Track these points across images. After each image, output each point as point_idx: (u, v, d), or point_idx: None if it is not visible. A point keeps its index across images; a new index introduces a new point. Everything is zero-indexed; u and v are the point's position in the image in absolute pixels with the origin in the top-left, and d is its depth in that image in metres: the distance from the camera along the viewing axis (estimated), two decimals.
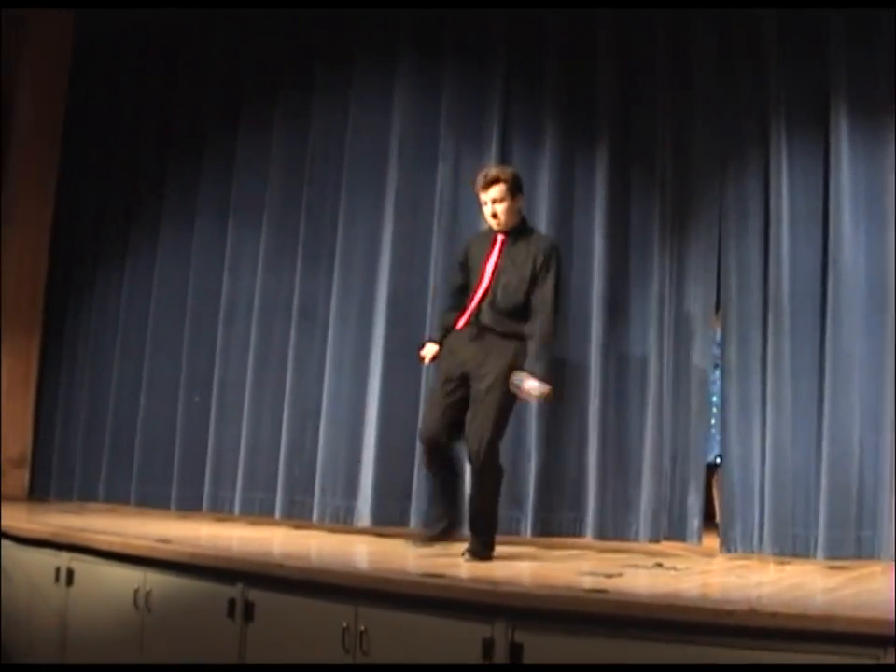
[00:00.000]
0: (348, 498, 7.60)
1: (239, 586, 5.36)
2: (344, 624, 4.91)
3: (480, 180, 6.07)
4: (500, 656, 4.52)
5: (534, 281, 5.96)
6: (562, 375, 6.94)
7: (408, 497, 7.37)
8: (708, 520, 6.74)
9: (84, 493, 9.11)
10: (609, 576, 5.11)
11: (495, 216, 6.04)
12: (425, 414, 6.37)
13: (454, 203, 7.54)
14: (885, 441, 6.17)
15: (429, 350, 6.29)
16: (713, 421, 6.93)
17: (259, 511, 8.03)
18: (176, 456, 8.56)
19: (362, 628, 4.88)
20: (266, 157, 8.44)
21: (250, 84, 8.71)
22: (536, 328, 5.91)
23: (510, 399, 5.94)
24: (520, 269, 5.99)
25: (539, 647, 4.48)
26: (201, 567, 5.57)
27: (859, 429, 6.21)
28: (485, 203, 6.07)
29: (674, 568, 5.48)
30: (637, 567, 5.58)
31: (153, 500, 8.64)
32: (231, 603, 5.35)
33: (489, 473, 5.93)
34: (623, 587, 4.78)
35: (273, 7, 8.23)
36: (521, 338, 5.94)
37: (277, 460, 7.96)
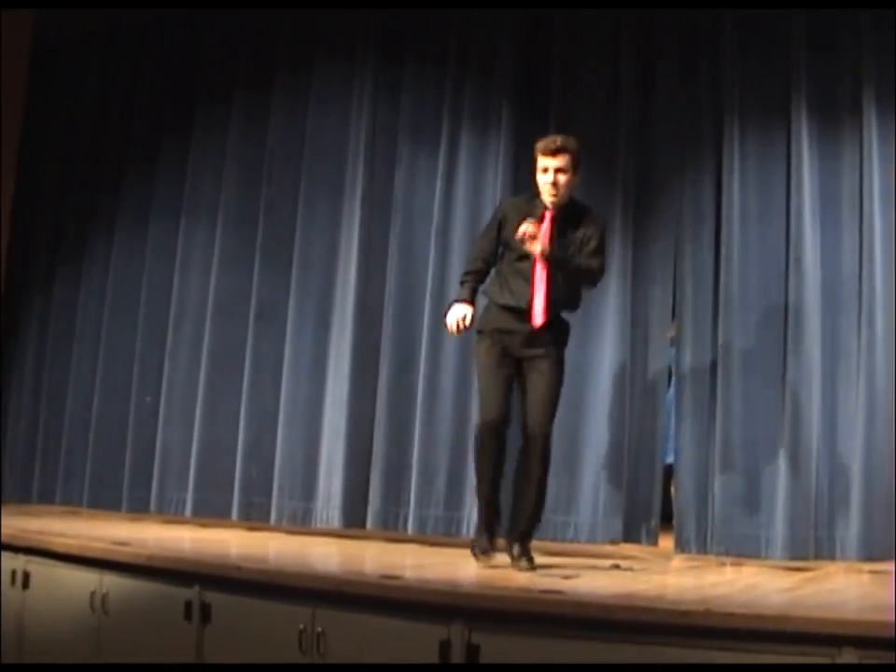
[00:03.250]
0: (306, 500, 7.56)
1: (196, 588, 5.32)
2: (301, 626, 4.89)
3: (547, 145, 5.61)
4: (457, 657, 4.50)
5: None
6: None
7: (366, 499, 7.34)
8: (667, 521, 6.72)
9: (43, 495, 8.99)
10: (566, 577, 5.12)
11: (555, 185, 5.59)
12: (486, 397, 5.68)
13: (410, 206, 7.53)
14: (843, 441, 6.22)
15: (463, 311, 5.75)
16: (671, 422, 6.92)
17: (213, 513, 7.95)
18: (127, 458, 8.46)
19: (319, 630, 4.86)
20: (222, 158, 8.36)
21: (207, 84, 8.63)
22: (588, 263, 5.65)
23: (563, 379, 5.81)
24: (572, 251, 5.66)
25: (496, 648, 4.46)
26: (158, 570, 5.53)
27: (817, 430, 6.23)
28: (545, 171, 5.60)
29: (630, 569, 5.49)
30: (593, 567, 5.60)
31: (104, 502, 8.52)
32: (188, 605, 5.31)
33: (549, 456, 5.70)
34: (580, 588, 4.80)
35: (231, 7, 8.16)
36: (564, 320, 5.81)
37: (233, 462, 7.89)
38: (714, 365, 6.52)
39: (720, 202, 6.62)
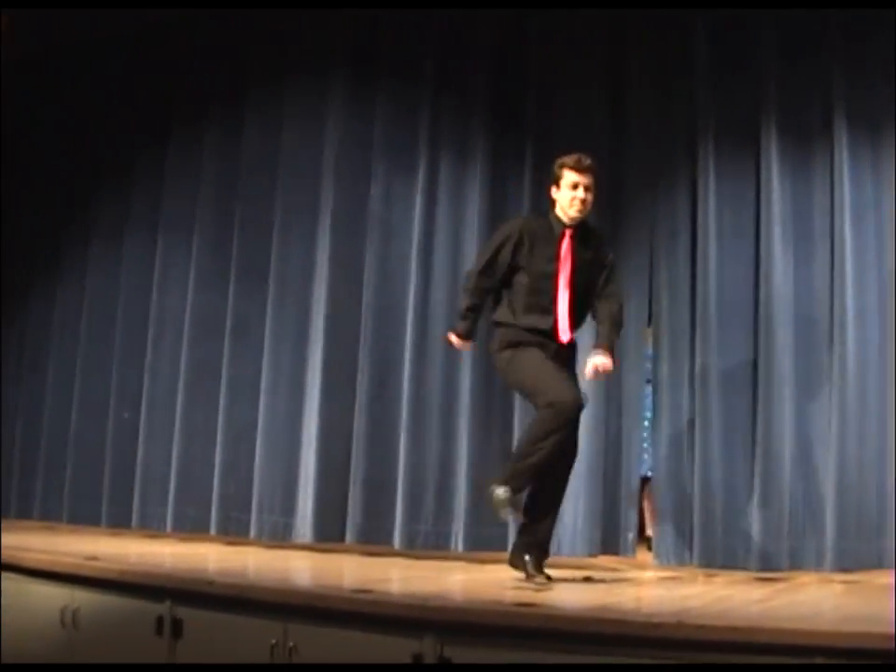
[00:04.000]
0: (286, 515, 7.53)
1: (167, 603, 5.24)
2: (273, 641, 4.81)
3: (579, 161, 5.53)
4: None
5: (596, 285, 5.62)
6: (492, 392, 7.00)
7: (344, 513, 7.30)
8: (639, 533, 6.73)
9: (21, 511, 8.96)
10: (539, 589, 5.06)
11: (583, 203, 5.53)
12: (556, 382, 5.38)
13: (386, 222, 7.50)
14: (816, 453, 6.22)
15: (461, 347, 5.86)
16: (645, 435, 6.89)
17: (192, 528, 7.93)
18: (106, 473, 8.44)
19: (291, 644, 4.78)
20: (198, 173, 8.36)
21: (181, 99, 8.62)
22: (615, 311, 5.58)
23: None
24: (588, 272, 5.58)
25: (468, 661, 4.39)
26: (129, 585, 5.45)
27: (789, 442, 6.24)
28: (574, 186, 5.52)
29: (604, 581, 5.43)
30: (567, 580, 5.54)
31: (84, 517, 8.49)
32: (160, 620, 5.23)
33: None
34: (552, 601, 4.73)
35: (212, 5, 8.12)
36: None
37: (212, 477, 7.88)
38: (692, 379, 6.52)
39: (695, 216, 6.62)
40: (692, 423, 6.50)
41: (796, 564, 6.12)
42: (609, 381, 6.48)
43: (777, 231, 6.35)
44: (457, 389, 7.12)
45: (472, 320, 5.70)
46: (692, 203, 6.66)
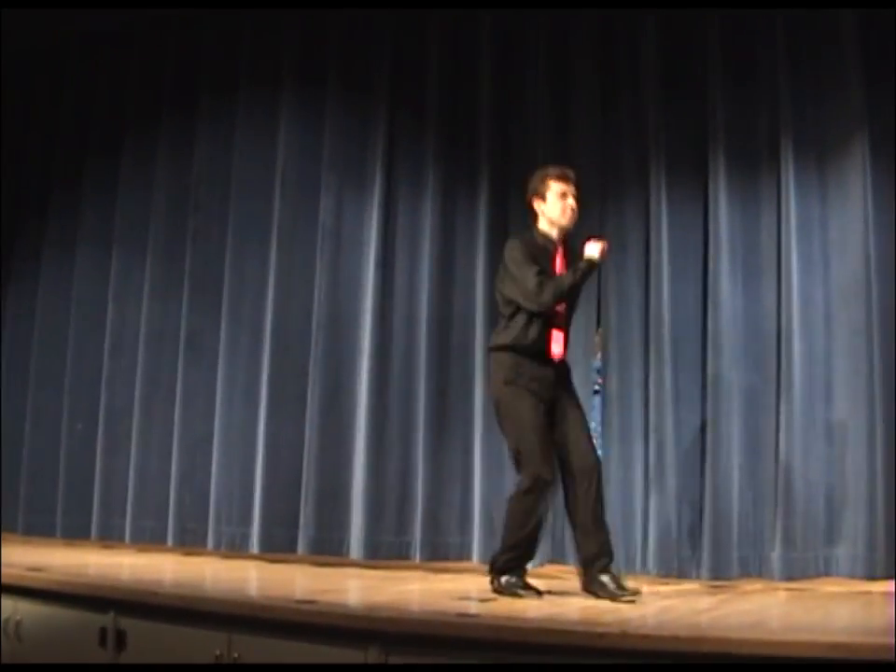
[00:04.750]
0: (243, 525, 7.47)
1: (111, 614, 5.11)
2: (217, 652, 4.69)
3: (565, 171, 5.50)
4: None
5: None
6: (445, 405, 7.00)
7: (296, 524, 7.24)
8: None
9: None
10: (484, 600, 4.98)
11: (573, 211, 5.48)
12: (539, 455, 5.31)
13: (336, 234, 7.45)
14: (763, 464, 6.25)
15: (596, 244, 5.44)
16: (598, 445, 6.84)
17: (150, 539, 7.86)
18: (61, 485, 8.33)
19: (236, 655, 4.66)
20: (150, 184, 8.26)
21: (132, 110, 8.51)
22: None
23: None
24: None
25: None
26: (72, 596, 5.31)
27: (738, 454, 6.26)
28: (563, 196, 5.47)
29: (549, 592, 5.35)
30: None
31: (39, 529, 8.36)
32: (103, 631, 5.09)
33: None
34: (496, 611, 4.66)
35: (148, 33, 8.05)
36: None
37: (168, 488, 7.80)
38: (643, 391, 6.52)
39: (645, 234, 6.64)
40: (644, 435, 6.50)
41: (745, 572, 6.14)
42: None
43: (725, 247, 6.36)
44: (414, 400, 7.09)
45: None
46: (643, 218, 6.66)
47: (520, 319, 5.44)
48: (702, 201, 6.53)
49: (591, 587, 5.25)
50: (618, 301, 6.66)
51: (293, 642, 4.57)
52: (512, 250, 5.50)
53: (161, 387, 7.99)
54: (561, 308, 5.43)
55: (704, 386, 6.38)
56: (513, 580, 5.31)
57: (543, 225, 5.55)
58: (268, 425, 7.42)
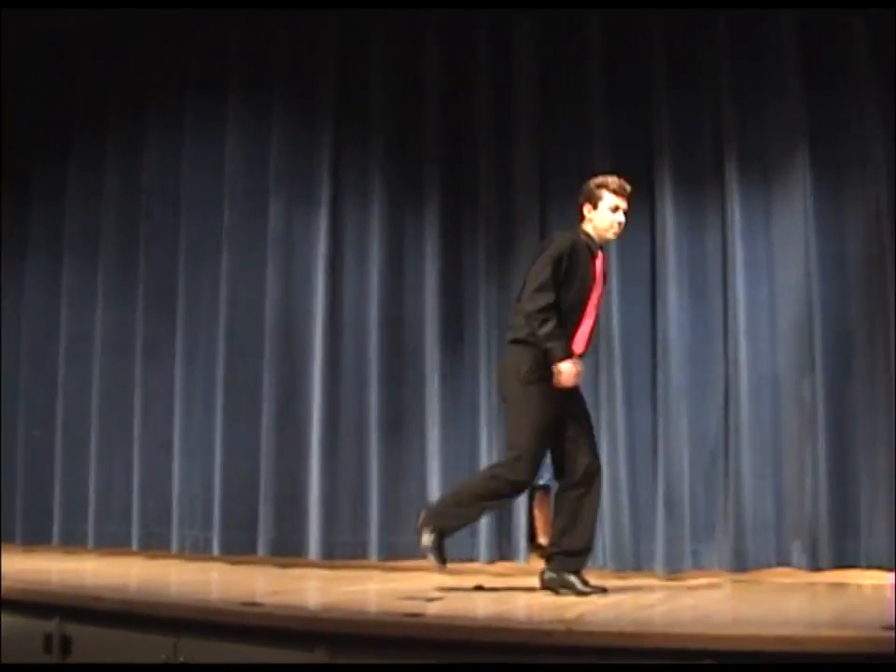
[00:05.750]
0: (205, 528, 7.40)
1: (56, 620, 4.93)
2: (164, 656, 4.54)
3: (621, 187, 5.35)
4: None
5: None
6: (398, 406, 7.00)
7: (255, 527, 7.18)
8: (531, 541, 6.68)
9: None
10: (430, 599, 4.88)
11: (620, 226, 5.37)
12: (533, 460, 5.25)
13: (286, 241, 7.36)
14: (713, 461, 6.32)
15: (576, 368, 5.22)
16: None
17: (114, 544, 7.73)
18: (19, 492, 8.18)
19: (181, 659, 4.51)
20: (100, 192, 8.10)
21: (80, 116, 8.34)
22: None
23: None
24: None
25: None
26: (16, 602, 5.13)
27: (688, 453, 6.29)
28: (615, 210, 5.33)
29: (494, 590, 5.26)
30: (457, 589, 5.35)
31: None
32: (48, 638, 4.91)
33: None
34: (442, 610, 4.57)
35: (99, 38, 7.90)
36: None
37: (131, 492, 7.71)
38: (595, 393, 6.46)
39: None
40: (600, 434, 6.37)
41: (698, 565, 6.18)
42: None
43: (672, 252, 6.38)
44: (367, 402, 7.03)
45: (566, 336, 5.22)
46: None
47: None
48: (649, 207, 6.50)
49: (553, 584, 5.18)
50: None
51: (239, 645, 4.42)
52: (549, 258, 5.24)
53: (119, 394, 7.86)
54: (592, 304, 5.30)
55: (654, 386, 6.40)
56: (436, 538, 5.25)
57: (588, 229, 5.40)
58: (225, 429, 7.34)
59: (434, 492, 6.74)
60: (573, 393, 5.28)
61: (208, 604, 4.85)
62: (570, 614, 4.41)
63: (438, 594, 5.07)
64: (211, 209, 7.59)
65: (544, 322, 5.14)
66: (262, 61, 7.58)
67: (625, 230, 6.30)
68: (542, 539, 6.72)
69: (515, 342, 5.31)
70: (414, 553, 6.59)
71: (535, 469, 5.28)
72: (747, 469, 6.13)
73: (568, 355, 5.15)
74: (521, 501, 6.55)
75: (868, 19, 6.10)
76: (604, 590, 5.15)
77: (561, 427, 5.25)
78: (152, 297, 7.79)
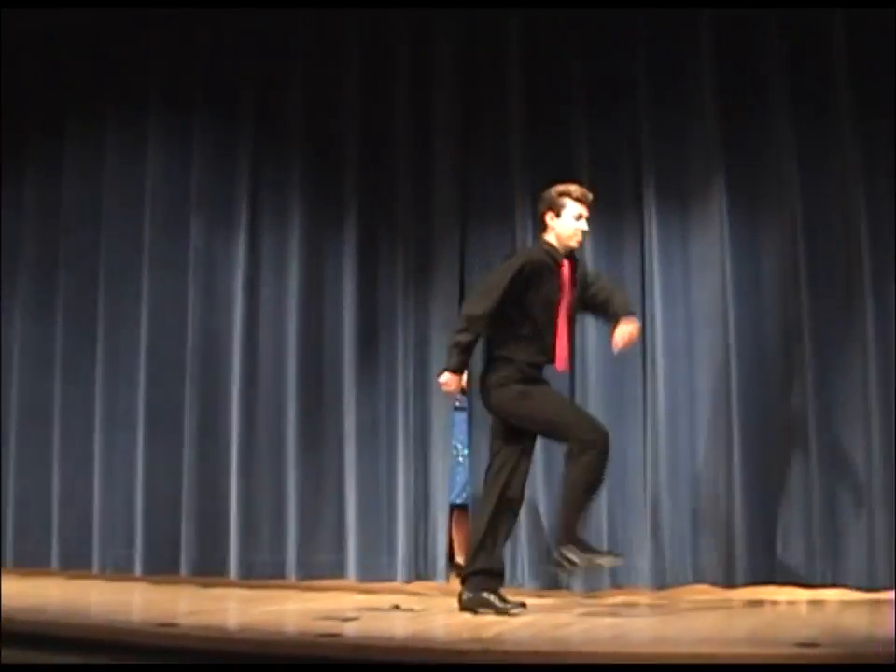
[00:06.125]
0: (127, 547, 7.25)
1: None
2: None
3: (584, 195, 5.37)
4: None
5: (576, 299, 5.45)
6: (317, 424, 6.91)
7: (178, 545, 7.06)
8: (450, 560, 6.65)
9: None
10: (345, 619, 4.81)
11: (583, 234, 5.39)
12: (583, 414, 5.35)
13: (207, 259, 7.26)
14: (630, 479, 6.28)
15: (458, 385, 5.40)
16: (461, 460, 6.84)
17: (33, 564, 7.53)
18: None
19: None
20: (20, 206, 7.89)
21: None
22: (616, 284, 5.64)
23: None
24: (574, 298, 5.43)
25: None
26: None
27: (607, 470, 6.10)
28: (579, 218, 5.34)
29: (411, 610, 5.21)
30: (374, 609, 5.31)
31: None
32: None
33: None
34: (358, 630, 4.50)
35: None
36: None
37: (50, 511, 7.52)
38: None
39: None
40: None
41: (616, 584, 6.15)
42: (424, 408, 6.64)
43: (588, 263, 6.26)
44: (285, 420, 6.94)
45: (469, 355, 5.32)
46: (510, 243, 6.57)
47: (502, 329, 5.30)
48: None
49: (471, 604, 5.15)
50: None
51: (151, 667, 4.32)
52: (505, 270, 5.29)
53: (37, 411, 7.68)
54: (562, 314, 5.32)
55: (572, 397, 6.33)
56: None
57: (551, 238, 5.39)
58: (147, 447, 7.21)
59: (352, 510, 6.68)
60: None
61: (123, 625, 4.73)
62: (487, 633, 4.38)
63: (355, 613, 5.01)
64: (131, 226, 7.44)
65: (463, 331, 5.22)
66: (183, 78, 7.46)
67: None
68: (460, 558, 6.73)
69: (487, 359, 5.43)
70: (332, 571, 6.73)
71: (591, 422, 5.23)
72: (664, 486, 6.12)
73: (460, 371, 5.29)
74: (439, 521, 6.55)
75: (782, 38, 6.15)
76: (523, 605, 5.12)
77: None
78: (72, 313, 7.63)
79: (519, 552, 6.31)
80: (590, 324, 6.22)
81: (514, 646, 4.04)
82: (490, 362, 5.40)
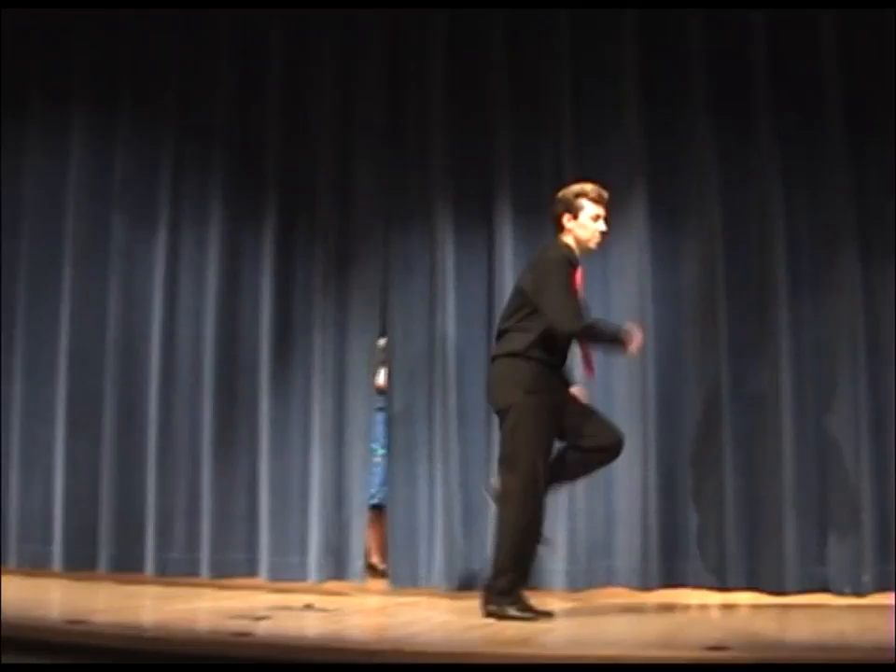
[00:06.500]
0: (45, 543, 7.12)
1: None
2: None
3: (600, 194, 5.25)
4: None
5: None
6: (232, 422, 6.87)
7: (96, 542, 6.98)
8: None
9: None
10: (258, 618, 4.75)
11: (603, 234, 5.27)
12: (540, 461, 5.11)
13: (127, 255, 7.17)
14: None
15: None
16: (378, 461, 6.81)
17: None
18: None
19: None
20: None
21: None
22: None
23: None
24: None
25: None
26: None
27: None
28: (597, 218, 5.22)
29: (324, 610, 5.17)
30: (286, 608, 5.25)
31: None
32: None
33: None
34: (271, 630, 4.46)
35: None
36: None
37: None
38: (430, 411, 6.48)
39: (431, 258, 6.61)
40: (429, 454, 6.45)
41: (529, 586, 5.86)
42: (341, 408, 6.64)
43: (509, 272, 6.33)
44: (201, 417, 6.88)
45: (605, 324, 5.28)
46: (429, 242, 6.62)
47: (531, 328, 5.14)
48: (487, 231, 6.53)
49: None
50: (403, 321, 6.63)
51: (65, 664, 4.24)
52: (562, 267, 5.14)
53: None
54: None
55: (489, 407, 6.20)
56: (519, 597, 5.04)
57: (569, 241, 5.26)
58: (66, 443, 7.10)
59: (265, 509, 6.64)
60: (564, 403, 5.18)
61: (34, 621, 4.63)
62: (399, 634, 4.36)
63: (267, 612, 4.95)
64: (53, 221, 7.32)
65: (579, 327, 5.11)
66: (106, 74, 7.35)
67: (466, 251, 6.42)
68: (375, 559, 6.73)
69: (505, 355, 5.20)
70: (245, 570, 6.68)
71: (538, 468, 5.06)
72: (579, 489, 6.07)
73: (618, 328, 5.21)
74: (355, 522, 6.54)
75: (704, 44, 6.21)
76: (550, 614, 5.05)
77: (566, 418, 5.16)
78: None
79: (434, 554, 6.34)
80: None
81: (425, 647, 4.01)
82: (506, 357, 5.21)
